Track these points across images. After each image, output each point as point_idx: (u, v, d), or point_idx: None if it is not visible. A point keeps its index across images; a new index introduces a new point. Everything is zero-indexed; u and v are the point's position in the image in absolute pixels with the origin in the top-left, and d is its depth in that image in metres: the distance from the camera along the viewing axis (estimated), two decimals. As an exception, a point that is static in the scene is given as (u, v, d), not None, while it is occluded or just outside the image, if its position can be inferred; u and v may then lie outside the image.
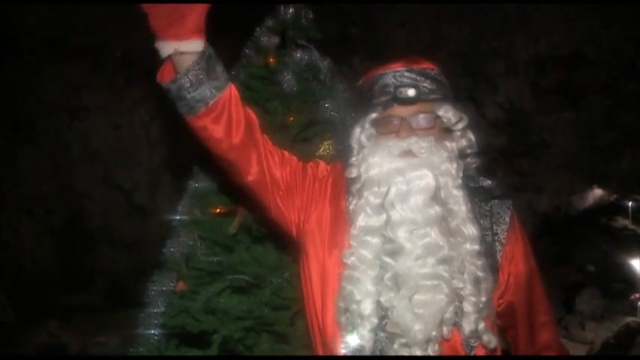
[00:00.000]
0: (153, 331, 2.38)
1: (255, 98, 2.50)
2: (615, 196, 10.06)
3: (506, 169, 8.21)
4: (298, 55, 2.52)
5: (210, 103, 1.72)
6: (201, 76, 1.70)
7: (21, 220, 8.55)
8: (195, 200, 2.46)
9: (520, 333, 1.88)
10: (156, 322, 2.36)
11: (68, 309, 7.67)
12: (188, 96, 1.71)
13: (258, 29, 2.56)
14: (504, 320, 1.85)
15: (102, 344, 6.77)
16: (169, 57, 1.72)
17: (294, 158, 1.96)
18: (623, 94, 7.50)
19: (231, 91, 1.77)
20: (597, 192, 9.46)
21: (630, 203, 11.06)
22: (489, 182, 1.90)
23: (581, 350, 6.76)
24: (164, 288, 2.39)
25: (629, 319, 6.54)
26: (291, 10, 2.52)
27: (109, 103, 8.26)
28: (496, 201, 1.86)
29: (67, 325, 7.27)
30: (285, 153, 1.95)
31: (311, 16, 2.55)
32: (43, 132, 8.35)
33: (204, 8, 1.68)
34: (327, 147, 2.43)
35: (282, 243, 2.27)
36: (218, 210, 2.37)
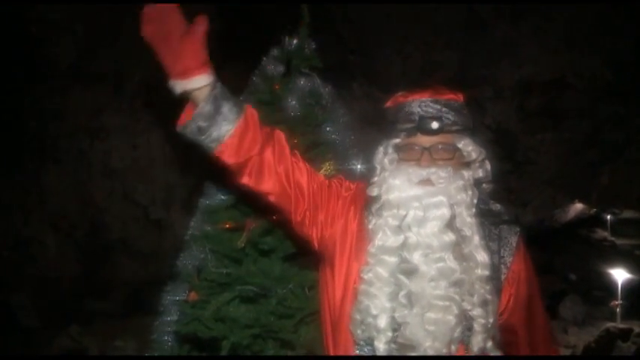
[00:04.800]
0: (166, 337, 2.37)
1: (263, 122, 2.50)
2: (595, 210, 10.05)
3: (494, 185, 8.19)
4: (302, 82, 2.52)
5: (224, 141, 1.74)
6: (206, 123, 1.72)
7: (46, 233, 8.54)
8: (207, 216, 2.45)
9: (520, 349, 1.86)
10: (169, 328, 2.36)
11: (89, 315, 7.64)
12: (202, 138, 1.74)
13: (264, 58, 2.56)
14: (504, 336, 1.81)
15: (120, 348, 6.75)
16: (182, 96, 1.74)
17: (320, 175, 1.96)
18: (602, 116, 7.50)
19: (246, 121, 1.77)
20: (578, 206, 9.44)
21: (609, 216, 11.04)
22: (499, 207, 1.91)
23: (564, 353, 6.73)
24: (177, 297, 2.39)
25: (609, 325, 6.51)
26: (295, 41, 2.52)
27: (128, 125, 8.27)
28: (505, 226, 1.85)
29: (87, 330, 7.24)
30: (312, 169, 1.94)
31: (313, 46, 2.55)
32: (67, 152, 8.37)
33: (200, 41, 1.70)
34: (328, 167, 2.42)
35: (287, 256, 2.26)
36: (227, 225, 2.36)
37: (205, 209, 2.47)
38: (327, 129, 2.51)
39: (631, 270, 7.77)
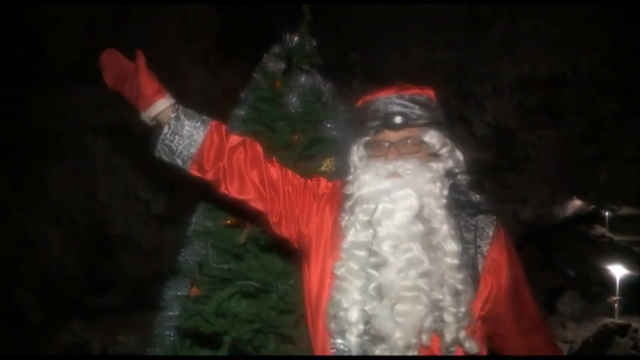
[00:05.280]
0: (168, 332, 2.37)
1: (263, 119, 2.50)
2: (593, 206, 10.05)
3: (493, 182, 8.20)
4: (302, 79, 2.52)
5: (193, 157, 1.86)
6: (174, 143, 1.87)
7: (49, 229, 8.56)
8: (208, 212, 2.45)
9: (511, 340, 1.84)
10: (171, 323, 2.36)
11: (91, 310, 7.65)
12: (175, 158, 1.88)
13: (265, 56, 2.56)
14: (489, 327, 1.81)
15: (122, 343, 6.76)
16: (155, 125, 1.90)
17: (297, 176, 1.98)
18: (600, 113, 7.50)
19: (211, 135, 1.87)
20: (577, 203, 9.44)
21: (607, 213, 11.04)
22: (478, 197, 1.88)
23: (562, 348, 6.74)
24: (179, 293, 2.39)
25: (607, 320, 6.51)
26: (296, 39, 2.52)
27: (130, 122, 8.27)
28: (481, 216, 1.84)
29: (89, 325, 7.24)
30: (288, 171, 1.97)
31: (314, 43, 2.55)
32: (69, 149, 8.38)
33: (146, 72, 1.85)
34: (329, 163, 2.42)
35: (288, 252, 2.26)
36: (228, 221, 2.36)
37: (207, 205, 2.47)
38: (328, 126, 2.50)
39: (629, 266, 7.77)
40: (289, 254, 2.29)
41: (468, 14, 7.52)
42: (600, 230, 11.43)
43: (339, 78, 2.69)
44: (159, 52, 7.96)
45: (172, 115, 1.85)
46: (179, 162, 1.86)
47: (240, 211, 2.31)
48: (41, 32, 7.88)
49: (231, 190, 1.87)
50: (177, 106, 1.87)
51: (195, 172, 1.87)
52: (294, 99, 2.47)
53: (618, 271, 7.28)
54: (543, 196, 8.47)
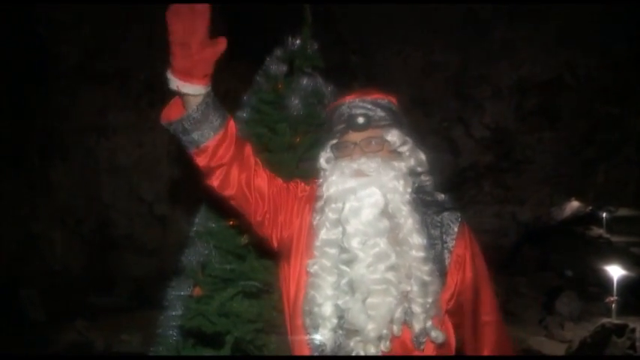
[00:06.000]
0: (171, 332, 2.37)
1: (265, 121, 2.50)
2: (591, 207, 10.05)
3: (492, 183, 8.20)
4: (304, 81, 2.52)
5: (200, 146, 1.78)
6: (190, 127, 1.75)
7: (53, 229, 8.56)
8: (211, 213, 2.45)
9: (466, 330, 1.89)
10: (174, 323, 2.35)
11: (95, 310, 7.66)
12: (181, 138, 1.78)
13: (268, 58, 2.56)
14: (455, 318, 1.86)
15: (125, 342, 6.75)
16: (174, 92, 1.75)
17: (279, 179, 1.99)
18: (598, 116, 7.50)
19: (225, 133, 1.80)
20: (574, 204, 9.44)
21: (604, 214, 11.04)
22: (442, 196, 1.94)
23: (560, 348, 6.74)
24: (182, 293, 2.39)
25: (605, 320, 6.50)
26: (297, 42, 2.52)
27: (133, 123, 8.29)
28: (447, 213, 1.89)
29: (93, 324, 7.25)
30: (272, 175, 1.97)
31: (316, 46, 2.55)
32: (74, 149, 8.39)
33: (216, 57, 1.71)
34: (329, 165, 2.42)
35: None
36: (231, 222, 2.36)
37: (209, 206, 2.47)
38: (328, 128, 2.50)
39: (626, 267, 7.76)
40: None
41: (467, 17, 7.53)
42: (598, 231, 11.43)
43: (340, 80, 2.69)
44: (162, 55, 7.91)
45: (204, 102, 1.74)
46: (184, 142, 1.79)
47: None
48: (46, 34, 7.89)
49: (220, 187, 1.85)
50: (211, 92, 1.76)
51: (194, 156, 1.81)
52: (296, 101, 2.47)
53: (616, 271, 7.28)
54: (542, 197, 8.47)
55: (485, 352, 1.89)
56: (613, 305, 7.10)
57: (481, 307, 1.89)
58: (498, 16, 7.37)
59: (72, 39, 7.99)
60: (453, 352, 1.85)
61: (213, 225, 2.40)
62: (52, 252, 8.56)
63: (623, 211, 10.67)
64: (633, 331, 6.36)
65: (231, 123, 1.83)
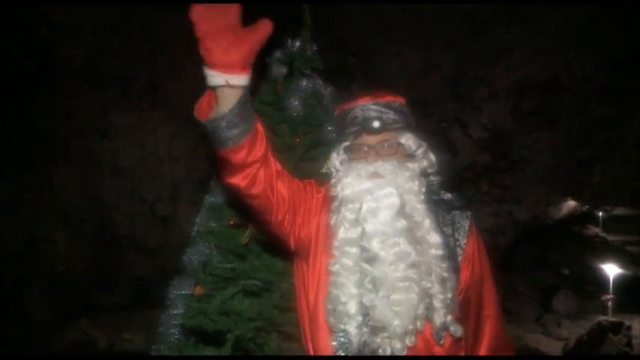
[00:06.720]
0: (173, 330, 2.36)
1: (265, 122, 2.47)
2: (587, 207, 10.05)
3: (489, 183, 8.20)
4: (304, 83, 2.51)
5: (239, 142, 1.71)
6: (236, 120, 1.67)
7: (56, 230, 8.56)
8: (212, 213, 2.44)
9: (469, 323, 1.90)
10: (176, 322, 2.35)
11: (97, 308, 7.67)
12: (221, 134, 1.69)
13: (267, 60, 2.55)
14: (461, 312, 1.86)
15: (127, 341, 6.76)
16: (214, 87, 1.66)
17: (296, 179, 1.98)
18: (594, 116, 7.50)
19: (258, 129, 1.76)
20: (571, 203, 9.44)
21: (600, 213, 11.06)
22: (450, 195, 1.98)
23: (557, 345, 6.74)
24: (183, 291, 2.38)
25: (601, 318, 6.51)
26: (297, 43, 2.51)
27: (135, 124, 8.29)
28: (457, 212, 1.92)
29: (96, 323, 7.26)
30: (290, 175, 1.96)
31: (315, 48, 2.54)
32: (77, 151, 8.39)
33: (258, 42, 1.65)
34: (329, 166, 2.42)
35: (290, 252, 2.26)
36: (232, 222, 2.35)
37: (210, 206, 2.46)
38: (329, 128, 2.49)
39: (622, 265, 7.80)
40: (291, 254, 2.28)
41: (465, 19, 7.52)
42: (594, 230, 11.44)
43: (339, 82, 2.69)
44: (164, 56, 7.98)
45: (245, 96, 1.67)
46: (221, 137, 1.69)
47: (243, 212, 2.31)
48: (49, 37, 7.89)
49: (247, 185, 1.80)
50: (247, 88, 1.70)
51: (231, 153, 1.72)
52: (296, 102, 2.47)
53: (612, 270, 7.30)
54: (539, 196, 8.47)
55: (484, 345, 1.91)
56: (609, 303, 7.12)
57: (484, 301, 1.92)
58: (495, 17, 7.37)
59: (75, 41, 7.99)
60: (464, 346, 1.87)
61: (214, 225, 2.40)
62: (55, 252, 8.56)
63: (619, 211, 10.68)
64: (629, 328, 6.38)
65: (258, 118, 1.80)
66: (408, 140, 1.87)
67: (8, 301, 7.66)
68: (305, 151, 2.43)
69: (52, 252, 8.55)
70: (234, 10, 1.62)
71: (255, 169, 1.79)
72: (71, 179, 8.46)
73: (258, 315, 2.18)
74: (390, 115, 1.86)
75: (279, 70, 2.53)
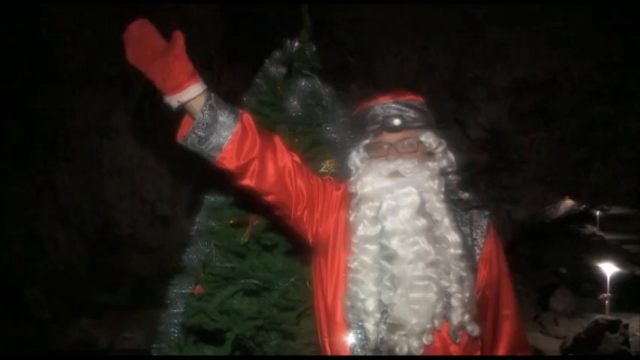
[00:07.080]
0: (173, 329, 2.36)
1: (264, 122, 2.48)
2: (584, 206, 10.07)
3: (487, 182, 8.21)
4: (303, 83, 2.51)
5: (223, 149, 1.74)
6: (205, 132, 1.73)
7: (57, 229, 8.56)
8: (211, 212, 2.44)
9: (487, 323, 1.89)
10: (176, 320, 2.35)
11: (98, 308, 7.66)
12: (202, 148, 1.75)
13: (267, 61, 2.56)
14: (481, 311, 1.86)
15: (128, 339, 6.76)
16: (180, 110, 1.75)
17: (315, 175, 1.99)
18: (592, 116, 7.50)
19: (243, 126, 1.77)
20: (568, 202, 9.46)
21: (598, 212, 11.09)
22: (467, 195, 1.96)
23: (555, 344, 6.75)
24: (183, 291, 2.38)
25: (598, 316, 6.52)
26: (296, 44, 2.52)
27: (136, 124, 8.28)
28: (475, 211, 1.92)
29: (97, 322, 7.26)
30: (310, 170, 1.98)
31: (314, 48, 2.54)
32: (77, 151, 8.38)
33: (184, 54, 1.70)
34: (328, 165, 2.42)
35: (289, 251, 2.26)
36: (231, 221, 2.35)
37: (210, 206, 2.46)
38: (327, 128, 2.50)
39: (619, 264, 7.81)
40: (290, 253, 2.29)
41: (463, 19, 7.52)
42: (591, 229, 11.47)
43: (338, 82, 2.70)
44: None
45: (207, 103, 1.72)
46: (206, 152, 1.75)
47: (243, 212, 2.31)
48: (50, 36, 7.89)
49: (257, 183, 1.81)
50: (210, 93, 1.75)
51: (222, 162, 1.76)
52: (295, 103, 2.47)
53: (609, 268, 7.30)
54: (536, 196, 8.47)
55: (502, 345, 1.90)
56: (606, 302, 7.12)
57: (502, 301, 1.91)
58: (493, 18, 7.37)
59: (75, 41, 7.98)
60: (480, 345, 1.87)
61: (214, 224, 2.40)
62: (56, 251, 8.56)
63: (616, 210, 10.71)
64: (626, 327, 6.38)
65: (246, 116, 1.81)
66: (429, 138, 1.86)
67: (9, 301, 7.66)
68: (304, 151, 2.43)
69: (53, 251, 8.55)
70: (152, 36, 1.74)
71: (257, 165, 1.79)
72: (72, 179, 8.46)
73: (258, 314, 2.18)
74: (411, 114, 1.86)
75: (278, 71, 2.54)
